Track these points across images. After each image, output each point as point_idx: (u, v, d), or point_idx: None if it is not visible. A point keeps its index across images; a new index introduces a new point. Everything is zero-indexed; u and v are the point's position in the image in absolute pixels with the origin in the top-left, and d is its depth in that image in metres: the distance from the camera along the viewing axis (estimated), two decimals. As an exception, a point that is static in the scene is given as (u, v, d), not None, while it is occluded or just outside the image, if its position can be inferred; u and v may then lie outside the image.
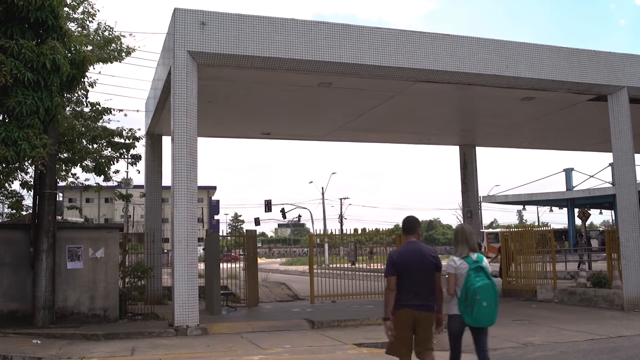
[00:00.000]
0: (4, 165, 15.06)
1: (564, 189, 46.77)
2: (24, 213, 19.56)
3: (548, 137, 25.04)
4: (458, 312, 6.85)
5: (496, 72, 15.77)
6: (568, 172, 47.05)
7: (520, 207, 77.03)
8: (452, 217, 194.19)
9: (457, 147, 25.94)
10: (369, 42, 14.79)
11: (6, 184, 18.68)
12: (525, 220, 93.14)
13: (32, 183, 16.57)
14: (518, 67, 15.93)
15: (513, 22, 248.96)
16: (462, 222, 26.66)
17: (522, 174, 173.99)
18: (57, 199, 16.44)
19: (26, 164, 15.71)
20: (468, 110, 20.95)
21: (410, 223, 7.08)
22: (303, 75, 15.23)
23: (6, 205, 19.89)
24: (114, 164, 18.63)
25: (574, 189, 45.51)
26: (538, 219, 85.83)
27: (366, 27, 15.10)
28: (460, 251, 6.98)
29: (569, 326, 13.56)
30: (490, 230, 60.42)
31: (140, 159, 19.71)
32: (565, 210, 48.76)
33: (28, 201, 18.96)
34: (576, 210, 45.11)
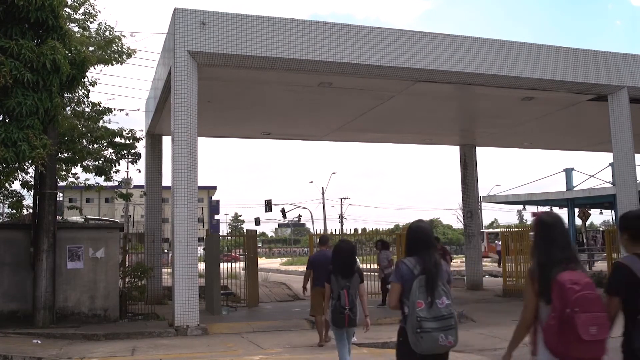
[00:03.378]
0: (3, 166, 15.07)
1: (564, 188, 46.69)
2: (24, 213, 19.57)
3: (548, 137, 25.04)
4: None
5: (496, 72, 15.78)
6: (568, 172, 46.98)
7: (520, 207, 77.01)
8: (452, 217, 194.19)
9: (458, 147, 25.91)
10: (369, 42, 14.79)
11: (6, 184, 18.71)
12: (526, 221, 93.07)
13: (32, 183, 16.56)
14: (518, 67, 15.94)
15: (510, 21, 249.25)
16: (463, 222, 26.70)
17: (522, 174, 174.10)
18: (58, 199, 16.45)
19: (26, 164, 15.73)
20: (468, 110, 20.95)
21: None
22: (303, 75, 15.23)
23: (6, 205, 19.88)
24: (115, 165, 18.65)
25: (574, 189, 45.44)
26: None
27: (366, 27, 15.10)
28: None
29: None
30: (491, 230, 60.44)
31: (140, 158, 19.71)
32: (565, 210, 48.69)
33: (28, 201, 18.98)
34: (576, 210, 45.09)
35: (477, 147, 25.87)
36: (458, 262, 42.87)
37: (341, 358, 8.37)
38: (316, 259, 12.00)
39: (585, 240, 43.54)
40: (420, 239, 5.33)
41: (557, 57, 16.38)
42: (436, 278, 5.03)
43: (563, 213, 44.87)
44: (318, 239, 10.62)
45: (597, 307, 3.97)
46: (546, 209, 64.67)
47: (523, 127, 22.20)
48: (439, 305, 4.92)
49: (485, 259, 38.98)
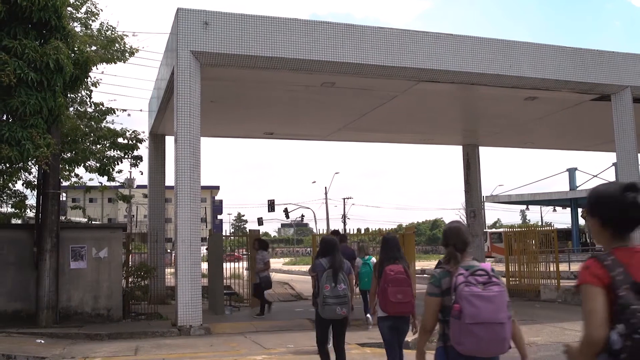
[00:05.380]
0: (7, 165, 15.11)
1: (567, 188, 46.70)
2: (29, 214, 19.60)
3: (551, 136, 25.01)
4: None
5: (499, 72, 15.76)
6: (571, 171, 46.98)
7: (523, 207, 76.95)
8: (455, 216, 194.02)
9: (461, 147, 25.90)
10: (372, 42, 14.79)
11: (10, 184, 18.75)
12: (529, 220, 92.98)
13: (35, 183, 16.59)
14: (521, 67, 15.92)
15: (509, 21, 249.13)
16: (466, 221, 26.66)
17: (525, 174, 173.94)
18: (61, 198, 16.46)
19: (30, 163, 15.76)
20: (471, 110, 20.93)
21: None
22: (306, 75, 15.23)
23: (10, 205, 19.91)
24: (117, 164, 18.67)
25: (578, 189, 45.42)
26: (541, 219, 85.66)
27: (369, 27, 15.10)
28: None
29: (572, 326, 13.51)
30: (494, 230, 60.40)
31: (142, 161, 19.72)
32: (568, 210, 48.64)
33: (32, 201, 19.01)
34: (579, 210, 45.04)
35: (480, 147, 25.85)
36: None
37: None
38: None
39: (589, 241, 43.40)
40: (330, 246, 7.92)
41: (561, 57, 16.36)
42: (338, 271, 7.63)
43: (566, 213, 44.82)
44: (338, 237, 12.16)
45: (403, 284, 7.15)
46: (549, 208, 64.64)
47: (526, 127, 22.18)
48: (338, 288, 7.56)
49: (488, 259, 38.95)
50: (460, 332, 4.10)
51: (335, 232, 16.47)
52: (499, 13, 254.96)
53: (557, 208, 62.72)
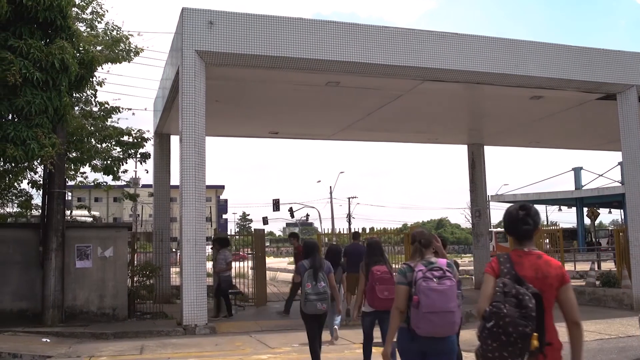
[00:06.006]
0: (13, 165, 15.14)
1: (572, 188, 46.59)
2: (35, 213, 19.65)
3: (557, 136, 24.94)
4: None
5: (505, 71, 15.73)
6: (577, 171, 46.87)
7: (528, 206, 76.68)
8: (460, 216, 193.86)
9: (466, 146, 25.85)
10: (376, 41, 14.78)
11: (15, 183, 18.80)
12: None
13: (41, 182, 16.63)
14: (527, 66, 15.88)
15: (512, 20, 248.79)
16: (471, 221, 26.65)
17: (530, 173, 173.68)
18: (66, 198, 16.50)
19: (35, 163, 15.80)
20: (476, 109, 20.89)
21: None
22: (311, 74, 15.23)
23: (15, 205, 19.98)
24: (122, 164, 18.71)
25: (583, 188, 45.32)
26: (547, 218, 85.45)
27: (374, 26, 15.10)
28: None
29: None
30: (499, 229, 60.27)
31: (149, 157, 19.76)
32: (574, 209, 48.52)
33: (37, 200, 19.07)
34: (585, 210, 44.95)
35: (485, 146, 25.80)
36: (466, 262, 42.81)
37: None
38: (351, 249, 14.95)
39: (595, 240, 43.33)
40: (311, 248, 8.79)
41: (566, 56, 16.32)
42: (318, 271, 8.44)
43: (572, 212, 44.69)
44: (352, 235, 15.10)
45: (389, 282, 7.97)
46: (555, 208, 64.53)
47: (531, 126, 22.13)
48: (319, 286, 8.38)
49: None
50: (418, 318, 5.04)
51: (357, 234, 16.90)
52: (501, 13, 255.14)
53: (562, 207, 62.64)
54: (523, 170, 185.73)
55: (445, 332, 5.15)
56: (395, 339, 5.44)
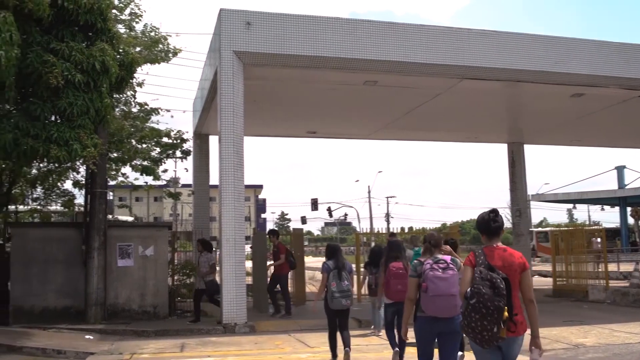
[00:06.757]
0: (56, 165, 15.44)
1: (615, 187, 45.77)
2: (75, 211, 20.00)
3: (599, 134, 24.50)
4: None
5: (545, 69, 15.51)
6: (620, 169, 46.04)
7: (570, 205, 75.64)
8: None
9: (506, 145, 25.57)
10: (414, 40, 14.71)
11: (59, 183, 19.17)
12: (576, 219, 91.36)
13: (83, 182, 16.90)
14: (568, 63, 15.63)
15: (549, 15, 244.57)
16: (511, 220, 26.33)
17: (572, 172, 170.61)
18: (108, 197, 16.75)
19: (78, 163, 16.06)
20: (516, 107, 20.63)
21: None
22: (348, 73, 15.21)
23: (59, 204, 20.36)
24: (162, 164, 18.91)
25: (626, 187, 44.49)
26: (589, 218, 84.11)
27: (412, 25, 15.03)
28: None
29: (622, 328, 13.25)
30: (540, 229, 59.49)
31: (190, 154, 19.93)
32: (617, 208, 47.66)
33: (80, 200, 19.40)
34: (629, 209, 44.08)
35: (525, 145, 25.48)
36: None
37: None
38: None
39: (639, 240, 42.45)
40: (334, 250, 9.64)
41: (608, 53, 16.02)
42: (342, 271, 9.34)
43: (615, 212, 43.87)
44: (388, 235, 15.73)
45: (403, 277, 8.56)
46: (597, 207, 63.40)
47: (572, 124, 21.77)
48: (343, 284, 9.28)
49: (534, 259, 38.36)
50: (426, 301, 6.35)
51: (392, 234, 16.89)
52: (537, 9, 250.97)
53: (605, 207, 61.50)
54: (564, 169, 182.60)
55: (449, 313, 6.29)
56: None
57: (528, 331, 5.26)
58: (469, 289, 5.03)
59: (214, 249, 15.83)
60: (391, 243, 9.88)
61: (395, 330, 9.52)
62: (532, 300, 5.22)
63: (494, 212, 5.47)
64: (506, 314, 4.91)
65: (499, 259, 5.22)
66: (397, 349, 9.43)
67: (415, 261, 6.82)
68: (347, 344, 9.59)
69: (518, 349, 5.22)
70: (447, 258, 6.59)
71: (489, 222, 5.42)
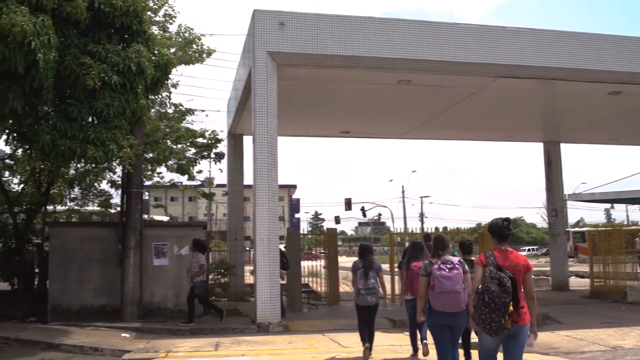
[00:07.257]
0: (93, 165, 15.65)
1: (655, 186, 44.85)
2: (112, 211, 20.29)
3: (637, 132, 24.07)
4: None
5: (581, 66, 15.29)
6: (659, 168, 45.07)
7: (607, 205, 74.40)
8: (536, 215, 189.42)
9: (541, 144, 25.26)
10: (448, 39, 14.62)
11: (95, 183, 19.45)
12: (614, 219, 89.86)
13: (119, 182, 17.12)
14: (605, 61, 15.39)
15: (586, 11, 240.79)
16: (548, 220, 26.00)
17: (610, 171, 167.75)
18: (144, 197, 16.94)
19: (114, 164, 16.28)
20: (552, 105, 20.36)
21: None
22: (382, 73, 15.17)
23: (96, 204, 20.67)
24: (197, 164, 19.07)
25: (666, 186, 43.56)
26: (627, 218, 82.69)
27: (445, 24, 14.93)
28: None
29: (661, 329, 13.01)
30: (577, 229, 58.65)
31: (224, 157, 20.06)
32: (657, 208, 46.73)
33: (116, 200, 19.67)
34: (668, 209, 43.20)
35: (561, 144, 25.14)
36: (542, 262, 41.79)
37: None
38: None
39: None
40: (364, 250, 10.12)
41: (647, 49, 15.73)
42: (369, 270, 9.85)
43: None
44: (423, 236, 14.67)
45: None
46: (636, 207, 62.29)
47: (610, 122, 21.42)
48: (369, 283, 9.80)
49: (570, 259, 37.81)
50: (433, 297, 7.28)
51: (427, 235, 16.89)
52: (575, 5, 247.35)
53: (643, 206, 60.34)
54: (602, 168, 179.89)
55: (454, 308, 7.24)
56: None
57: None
58: (480, 286, 5.84)
59: (211, 249, 15.87)
60: (414, 244, 10.39)
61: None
62: (533, 297, 6.04)
63: (507, 221, 6.24)
64: (511, 308, 5.71)
65: (506, 260, 6.02)
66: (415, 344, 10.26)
67: (426, 261, 7.82)
68: (366, 340, 10.05)
69: (525, 336, 5.98)
70: (455, 260, 7.44)
71: (502, 229, 6.18)
